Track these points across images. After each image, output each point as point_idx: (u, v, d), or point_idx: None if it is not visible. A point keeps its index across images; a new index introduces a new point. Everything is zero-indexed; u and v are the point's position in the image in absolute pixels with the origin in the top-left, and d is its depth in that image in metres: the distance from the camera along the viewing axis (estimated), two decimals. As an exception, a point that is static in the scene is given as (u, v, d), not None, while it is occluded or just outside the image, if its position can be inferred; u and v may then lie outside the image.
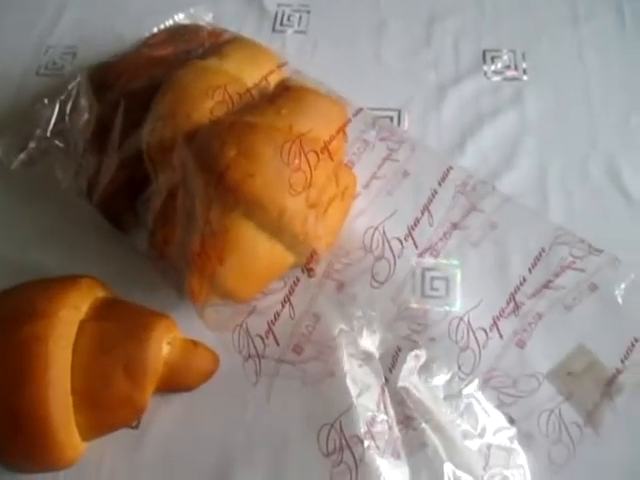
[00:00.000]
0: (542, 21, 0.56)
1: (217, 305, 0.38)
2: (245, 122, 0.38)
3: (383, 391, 0.32)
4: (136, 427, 0.41)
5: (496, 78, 0.53)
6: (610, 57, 0.54)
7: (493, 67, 0.54)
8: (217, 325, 0.36)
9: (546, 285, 0.38)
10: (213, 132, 0.38)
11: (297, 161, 0.36)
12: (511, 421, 0.36)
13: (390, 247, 0.36)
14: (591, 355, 0.36)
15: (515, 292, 0.36)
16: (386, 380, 0.33)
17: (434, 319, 0.40)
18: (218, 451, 0.39)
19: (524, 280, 0.35)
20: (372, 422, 0.31)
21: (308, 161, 0.36)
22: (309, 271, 0.35)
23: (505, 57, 0.54)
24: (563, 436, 0.34)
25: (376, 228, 0.36)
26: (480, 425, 0.34)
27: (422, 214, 0.36)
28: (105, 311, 0.40)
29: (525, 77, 0.53)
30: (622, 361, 0.34)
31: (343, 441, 0.30)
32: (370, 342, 0.35)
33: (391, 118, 0.51)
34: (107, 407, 0.38)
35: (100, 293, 0.41)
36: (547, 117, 0.50)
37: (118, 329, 0.39)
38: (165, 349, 0.39)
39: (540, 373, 0.37)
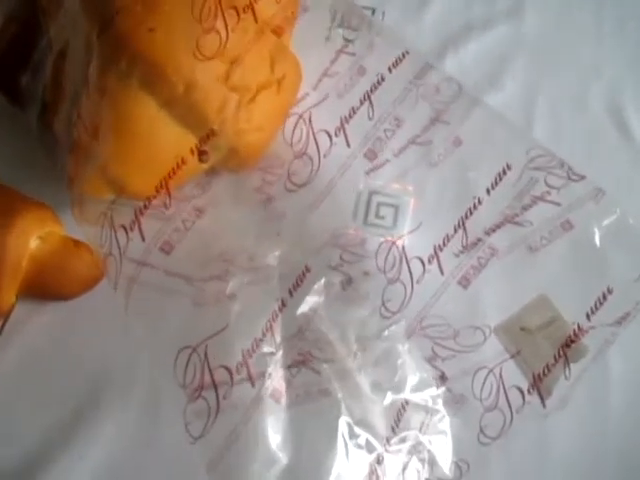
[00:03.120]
0: None
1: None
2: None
3: (276, 316, 0.25)
4: (-3, 334, 0.33)
5: (494, -16, 0.44)
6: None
7: (492, -30, 0.45)
8: (86, 216, 0.28)
9: (510, 219, 0.30)
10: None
11: (212, 20, 0.28)
12: (442, 378, 0.29)
13: (315, 141, 0.28)
14: (553, 309, 0.29)
15: (466, 217, 0.28)
16: (283, 304, 0.26)
17: (372, 250, 0.32)
18: (93, 370, 0.32)
19: (479, 202, 0.28)
20: (251, 352, 0.24)
21: (225, 20, 0.28)
22: (200, 154, 0.28)
23: (509, -39, 0.45)
24: (500, 402, 0.27)
25: (300, 116, 0.29)
26: (398, 377, 0.27)
27: (361, 103, 0.28)
28: (-35, 189, 0.32)
29: (529, -14, 0.44)
30: (588, 316, 0.26)
31: (206, 371, 0.23)
32: (271, 256, 0.27)
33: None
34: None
35: (-33, 169, 0.34)
36: (547, 36, 0.42)
37: (-25, 211, 0.31)
38: (34, 243, 0.32)
39: (488, 326, 0.30)
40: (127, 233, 0.25)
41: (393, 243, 0.28)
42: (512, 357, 0.27)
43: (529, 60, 0.41)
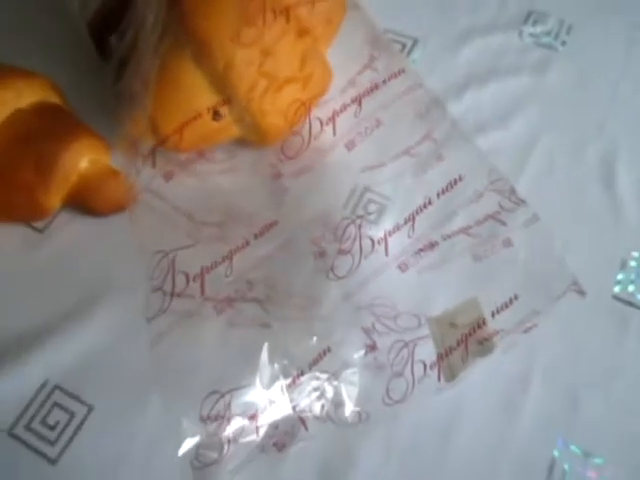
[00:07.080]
0: (607, 2, 0.51)
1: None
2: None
3: (237, 250, 0.31)
4: (41, 231, 0.41)
5: (529, 40, 0.49)
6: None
7: (531, 29, 0.50)
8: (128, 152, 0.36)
9: (465, 230, 0.35)
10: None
11: (254, 16, 0.35)
12: (372, 348, 0.34)
13: (310, 127, 0.35)
14: (479, 310, 0.34)
15: (417, 213, 0.33)
16: (247, 242, 0.32)
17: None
18: (101, 273, 0.39)
19: (429, 202, 0.33)
20: (209, 269, 0.30)
21: (264, 18, 0.35)
22: (214, 114, 0.34)
23: (550, 24, 0.50)
24: (407, 371, 0.32)
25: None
26: (330, 330, 0.33)
27: (352, 103, 0.34)
28: (45, 111, 0.41)
29: (561, 48, 0.49)
30: (493, 315, 0.31)
31: (169, 273, 0.29)
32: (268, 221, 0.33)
33: (403, 45, 0.49)
34: (9, 191, 0.39)
35: (52, 98, 0.42)
36: (563, 95, 0.46)
37: (46, 127, 0.39)
38: (84, 164, 0.40)
39: (424, 315, 0.35)
40: (144, 162, 0.32)
41: (352, 221, 0.34)
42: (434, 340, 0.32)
43: (540, 110, 0.46)
